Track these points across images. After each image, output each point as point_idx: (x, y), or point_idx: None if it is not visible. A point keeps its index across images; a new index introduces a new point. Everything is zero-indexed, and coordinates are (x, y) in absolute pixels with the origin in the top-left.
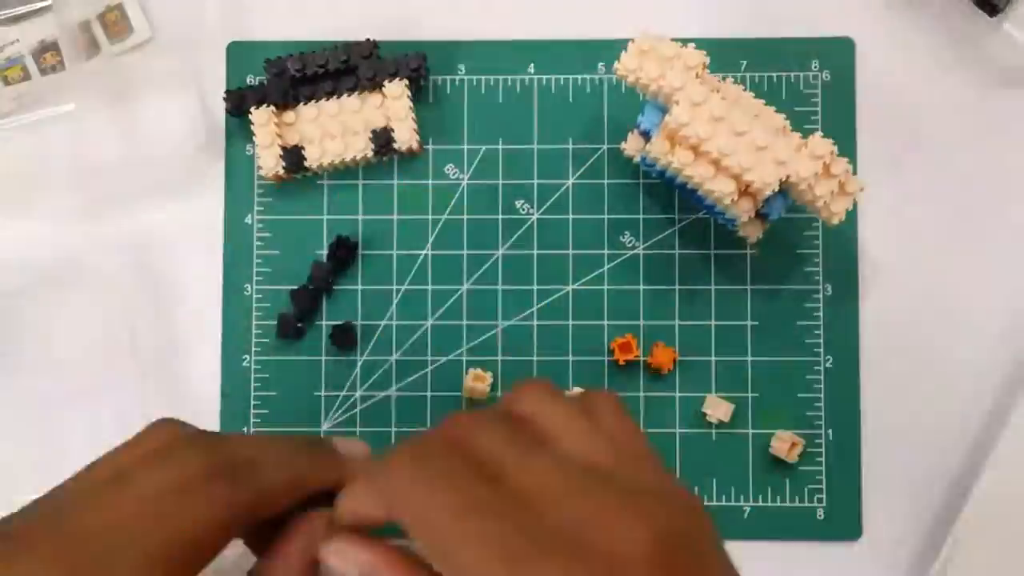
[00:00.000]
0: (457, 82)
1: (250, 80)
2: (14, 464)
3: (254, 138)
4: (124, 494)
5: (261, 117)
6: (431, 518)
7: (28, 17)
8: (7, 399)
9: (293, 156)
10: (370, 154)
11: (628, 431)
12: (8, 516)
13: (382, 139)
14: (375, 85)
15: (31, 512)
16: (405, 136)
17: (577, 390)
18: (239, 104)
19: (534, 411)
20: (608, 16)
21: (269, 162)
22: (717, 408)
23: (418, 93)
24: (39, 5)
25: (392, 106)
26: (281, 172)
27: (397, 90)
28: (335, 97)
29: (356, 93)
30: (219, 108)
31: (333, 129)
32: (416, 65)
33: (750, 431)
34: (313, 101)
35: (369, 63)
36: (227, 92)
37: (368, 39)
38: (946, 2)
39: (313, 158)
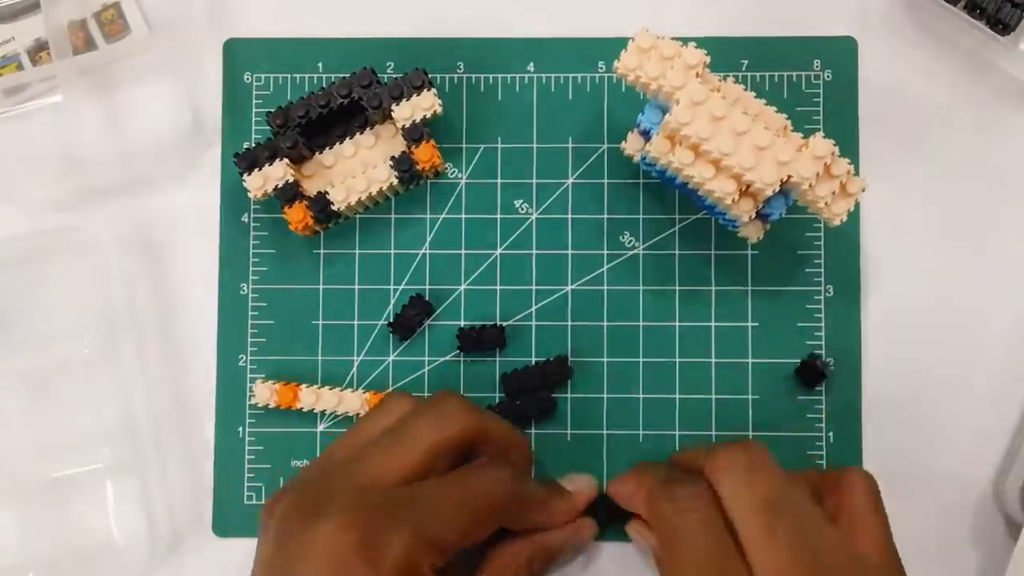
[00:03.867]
0: (456, 80)
1: (247, 78)
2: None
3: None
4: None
5: (278, 171)
6: (684, 554)
7: (24, 15)
8: None
9: (320, 203)
10: (395, 181)
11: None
12: (293, 483)
13: (404, 164)
14: (384, 116)
15: (317, 480)
16: (425, 155)
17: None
18: (252, 164)
19: (787, 507)
20: (608, 14)
21: (296, 215)
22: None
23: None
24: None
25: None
26: (310, 222)
27: (428, 101)
28: (348, 139)
29: (368, 129)
30: (215, 106)
31: (354, 169)
32: (419, 82)
33: (751, 434)
34: (328, 148)
35: (371, 91)
36: (236, 155)
37: (365, 68)
38: (955, 18)
39: (339, 200)
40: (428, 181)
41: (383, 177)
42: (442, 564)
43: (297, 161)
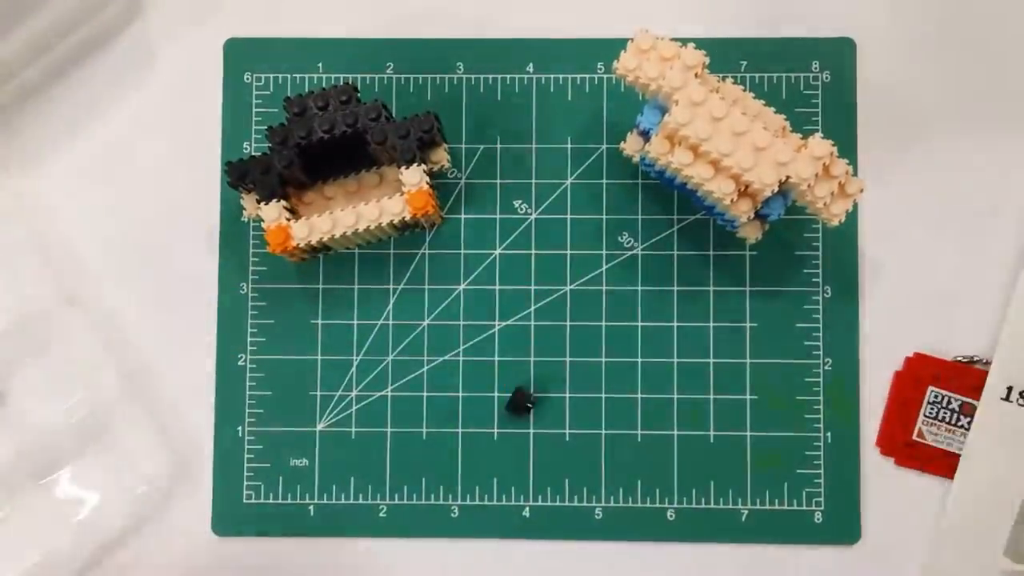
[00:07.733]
0: (455, 80)
1: (247, 78)
2: None
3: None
4: None
5: (271, 212)
6: None
7: None
8: None
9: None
10: (384, 223)
11: None
12: None
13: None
14: (390, 157)
15: None
16: (419, 202)
17: None
18: (242, 176)
19: None
20: (607, 15)
21: (277, 237)
22: None
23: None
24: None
25: (410, 179)
26: (290, 246)
27: (415, 176)
28: (353, 175)
29: (375, 168)
30: (215, 111)
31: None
32: (428, 126)
33: (748, 434)
34: (331, 180)
35: (378, 126)
36: (228, 164)
37: (376, 100)
38: None
39: (324, 229)
40: (422, 229)
41: (373, 215)
42: None
43: (295, 185)
